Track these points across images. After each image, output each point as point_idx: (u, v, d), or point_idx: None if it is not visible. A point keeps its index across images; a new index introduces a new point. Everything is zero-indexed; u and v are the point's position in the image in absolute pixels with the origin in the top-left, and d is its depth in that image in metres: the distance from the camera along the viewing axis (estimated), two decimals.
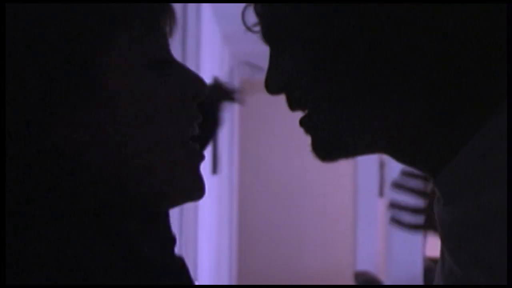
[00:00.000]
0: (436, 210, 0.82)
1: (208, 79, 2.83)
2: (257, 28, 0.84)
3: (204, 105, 0.86)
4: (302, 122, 0.83)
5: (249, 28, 0.84)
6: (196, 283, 3.16)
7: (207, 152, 3.84)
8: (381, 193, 7.10)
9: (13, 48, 0.75)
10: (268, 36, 0.81)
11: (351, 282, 7.58)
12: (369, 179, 7.40)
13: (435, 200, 0.82)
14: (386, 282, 5.59)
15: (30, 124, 0.76)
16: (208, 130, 2.73)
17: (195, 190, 0.83)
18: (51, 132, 0.76)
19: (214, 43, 5.31)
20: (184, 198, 0.83)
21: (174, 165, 0.80)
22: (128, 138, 0.78)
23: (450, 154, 0.77)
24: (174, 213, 3.15)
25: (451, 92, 0.76)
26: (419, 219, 1.36)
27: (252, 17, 0.87)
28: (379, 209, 7.12)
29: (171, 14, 0.85)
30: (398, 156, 0.81)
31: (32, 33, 0.76)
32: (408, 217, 1.46)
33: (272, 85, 0.82)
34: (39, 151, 0.76)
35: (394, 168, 5.42)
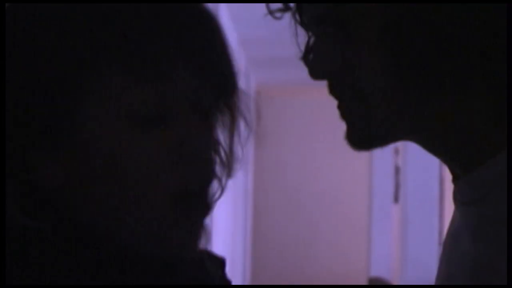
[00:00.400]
0: (457, 207, 0.82)
1: None
2: (279, 14, 0.83)
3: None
4: (345, 109, 0.82)
5: (270, 12, 0.82)
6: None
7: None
8: (396, 198, 7.08)
9: None
10: (331, 18, 0.79)
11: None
12: (384, 184, 7.39)
13: (453, 199, 0.83)
14: None
15: (12, 157, 0.75)
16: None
17: (181, 247, 0.77)
18: (30, 166, 0.76)
19: (231, 47, 5.31)
20: (171, 253, 0.78)
21: (156, 221, 0.75)
22: (100, 188, 0.76)
23: (487, 156, 0.77)
24: None
25: (507, 95, 0.76)
26: None
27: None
28: (394, 215, 7.10)
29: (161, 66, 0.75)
30: (433, 147, 0.81)
31: (14, 72, 0.75)
32: None
33: (320, 71, 0.81)
34: (19, 183, 0.76)
35: (409, 173, 5.41)
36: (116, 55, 0.74)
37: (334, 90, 0.82)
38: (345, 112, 0.81)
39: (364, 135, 0.80)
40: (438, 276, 0.87)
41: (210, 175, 0.78)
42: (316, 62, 0.82)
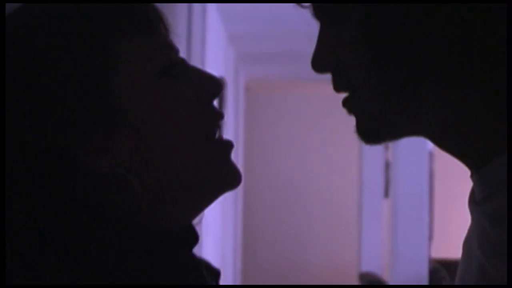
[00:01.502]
0: (470, 207, 0.81)
1: None
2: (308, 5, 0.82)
3: None
4: (346, 103, 0.81)
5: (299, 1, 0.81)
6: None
7: None
8: (386, 193, 7.09)
9: (22, 78, 0.77)
10: (323, 11, 0.79)
11: (356, 283, 7.58)
12: (374, 180, 7.40)
13: (468, 198, 0.82)
14: (391, 283, 5.58)
15: (50, 153, 0.77)
16: None
17: (231, 179, 0.85)
18: (72, 160, 0.78)
19: (219, 43, 5.30)
20: (221, 188, 0.86)
21: (204, 162, 0.82)
22: (153, 153, 0.80)
23: (499, 150, 0.76)
24: None
25: (507, 95, 0.75)
26: None
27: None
28: (384, 210, 7.11)
29: (159, 14, 0.85)
30: (444, 143, 0.80)
31: (40, 63, 0.77)
32: None
33: (319, 64, 0.81)
34: (62, 180, 0.77)
35: (400, 168, 5.41)
36: (141, 21, 0.81)
37: (334, 84, 0.82)
38: (346, 106, 0.81)
39: (367, 129, 0.80)
40: (455, 281, 0.86)
41: (222, 113, 0.85)
42: (315, 56, 0.81)
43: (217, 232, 5.12)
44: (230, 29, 5.69)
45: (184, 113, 0.82)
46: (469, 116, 0.77)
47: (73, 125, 0.77)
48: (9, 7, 0.81)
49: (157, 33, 0.83)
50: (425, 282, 5.32)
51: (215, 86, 0.85)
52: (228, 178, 0.86)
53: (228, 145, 0.86)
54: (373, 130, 0.80)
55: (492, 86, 0.76)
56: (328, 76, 0.81)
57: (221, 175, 0.85)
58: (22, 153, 0.77)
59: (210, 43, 4.22)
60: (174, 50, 0.85)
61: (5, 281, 0.74)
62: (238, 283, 7.95)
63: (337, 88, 0.81)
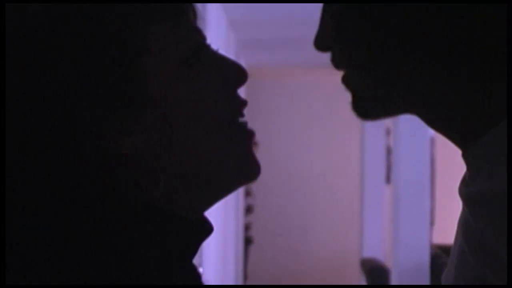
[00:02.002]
0: (462, 190, 0.82)
1: None
2: None
3: None
4: (344, 80, 0.83)
5: None
6: (201, 269, 3.16)
7: None
8: (388, 179, 7.09)
9: (53, 60, 0.77)
10: None
11: (357, 268, 7.59)
12: (376, 166, 7.40)
13: (461, 181, 0.83)
14: (393, 269, 5.59)
15: (74, 132, 0.77)
16: None
17: (251, 170, 0.85)
18: (96, 139, 0.78)
19: (220, 29, 5.29)
20: (241, 179, 0.86)
21: (227, 150, 0.83)
22: (176, 137, 0.81)
23: (486, 127, 0.78)
24: None
25: (493, 69, 0.78)
26: None
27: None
28: (386, 196, 7.12)
29: (192, 5, 0.87)
30: (433, 121, 0.82)
31: (72, 45, 0.78)
32: None
33: (320, 42, 0.83)
34: (92, 163, 0.78)
35: (401, 154, 5.42)
36: (171, 6, 0.83)
37: (333, 60, 0.85)
38: (344, 82, 0.83)
39: (360, 105, 0.83)
40: (446, 272, 0.87)
41: (246, 101, 0.86)
42: (317, 35, 0.84)
43: (218, 215, 5.13)
44: (230, 15, 5.68)
45: (210, 99, 0.82)
46: (455, 94, 0.79)
47: (100, 104, 0.78)
48: (9, 7, 0.81)
49: (185, 18, 0.84)
50: (427, 267, 5.33)
51: (241, 74, 0.86)
52: (249, 169, 0.86)
53: (251, 134, 0.86)
54: (365, 106, 0.83)
55: (480, 67, 0.78)
56: (329, 63, 0.83)
57: (242, 165, 0.85)
58: (45, 130, 0.77)
59: (210, 29, 4.21)
60: (201, 36, 0.86)
61: (5, 281, 0.74)
62: (240, 269, 7.97)
63: (336, 64, 0.82)
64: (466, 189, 0.79)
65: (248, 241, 8.59)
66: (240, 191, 7.57)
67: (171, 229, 0.80)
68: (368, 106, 0.83)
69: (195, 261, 0.88)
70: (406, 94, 0.80)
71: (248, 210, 8.43)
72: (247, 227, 8.48)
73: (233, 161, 0.84)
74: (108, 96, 0.78)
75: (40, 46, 0.78)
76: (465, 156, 0.80)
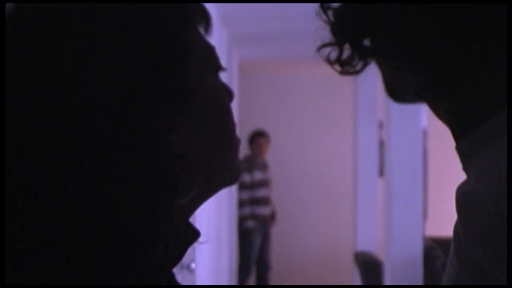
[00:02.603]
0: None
1: None
2: None
3: None
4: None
5: None
6: (193, 264, 3.15)
7: None
8: (381, 173, 7.11)
9: (110, 48, 0.79)
10: None
11: (351, 262, 7.61)
12: (369, 159, 7.41)
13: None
14: (386, 262, 5.60)
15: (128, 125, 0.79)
16: None
17: (234, 175, 0.92)
18: (156, 136, 0.80)
19: (212, 24, 5.28)
20: (224, 184, 0.91)
21: (231, 153, 0.90)
22: (204, 136, 0.86)
23: (477, 122, 0.80)
24: None
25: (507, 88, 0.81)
26: None
27: None
28: (379, 189, 7.13)
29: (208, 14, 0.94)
30: (437, 111, 0.87)
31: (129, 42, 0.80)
32: None
33: (344, 33, 0.87)
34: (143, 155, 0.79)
35: (394, 147, 5.43)
36: (206, 19, 0.92)
37: (357, 54, 0.89)
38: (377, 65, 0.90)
39: (388, 92, 0.91)
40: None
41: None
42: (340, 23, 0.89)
43: (211, 209, 5.13)
44: (222, 9, 5.67)
45: (224, 108, 0.89)
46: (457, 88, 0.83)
47: (154, 98, 0.80)
48: (9, 7, 0.81)
49: (209, 32, 0.91)
50: (420, 260, 5.34)
51: (231, 94, 0.93)
52: (232, 174, 0.91)
53: (238, 141, 0.93)
54: (391, 93, 0.90)
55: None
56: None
57: (229, 171, 0.90)
58: (106, 129, 0.78)
59: None
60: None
61: (5, 281, 0.75)
62: (233, 263, 7.98)
63: (360, 57, 0.89)
64: (457, 189, 0.81)
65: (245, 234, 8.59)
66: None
67: (157, 236, 0.80)
68: (392, 93, 0.89)
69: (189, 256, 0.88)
70: (416, 89, 0.85)
71: (241, 203, 8.43)
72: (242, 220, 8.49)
73: (222, 166, 0.89)
74: (160, 91, 0.80)
75: (100, 43, 0.79)
76: (456, 149, 0.82)
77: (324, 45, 0.88)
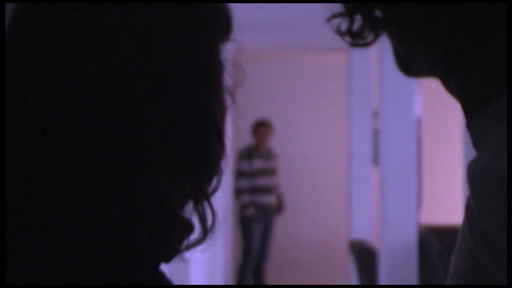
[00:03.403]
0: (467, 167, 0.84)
1: None
2: None
3: None
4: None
5: None
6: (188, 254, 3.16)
7: None
8: (375, 161, 7.12)
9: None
10: None
11: (346, 251, 7.62)
12: (363, 147, 7.42)
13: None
14: (381, 250, 5.62)
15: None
16: None
17: (219, 179, 0.92)
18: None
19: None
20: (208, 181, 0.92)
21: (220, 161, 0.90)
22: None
23: (489, 100, 0.80)
24: None
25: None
26: None
27: None
28: (373, 178, 7.14)
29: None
30: (448, 86, 0.87)
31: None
32: None
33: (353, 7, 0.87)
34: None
35: (388, 136, 5.43)
36: (230, 28, 0.96)
37: (370, 25, 0.89)
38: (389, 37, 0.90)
39: (399, 65, 0.90)
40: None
41: None
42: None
43: None
44: None
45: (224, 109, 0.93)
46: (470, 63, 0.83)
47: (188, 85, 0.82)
48: (9, 7, 0.81)
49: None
50: (415, 248, 5.35)
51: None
52: (217, 174, 0.91)
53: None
54: (403, 66, 0.90)
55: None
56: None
57: (217, 169, 0.90)
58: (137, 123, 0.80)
59: None
60: None
61: (5, 281, 0.75)
62: (229, 253, 7.98)
63: (373, 28, 0.87)
64: (468, 166, 0.80)
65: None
66: (229, 172, 7.58)
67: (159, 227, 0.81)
68: (399, 66, 0.89)
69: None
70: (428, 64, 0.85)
71: (241, 192, 8.44)
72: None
73: (213, 165, 0.89)
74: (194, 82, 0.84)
75: (135, 45, 0.80)
76: (467, 126, 0.82)
77: (335, 16, 0.86)
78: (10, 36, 0.82)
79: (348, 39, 0.86)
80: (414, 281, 5.31)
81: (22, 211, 0.77)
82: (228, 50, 0.99)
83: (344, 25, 0.86)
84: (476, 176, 0.77)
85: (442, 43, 0.82)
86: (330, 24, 0.87)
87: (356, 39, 0.86)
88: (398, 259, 5.35)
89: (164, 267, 0.84)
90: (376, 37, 0.85)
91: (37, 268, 0.76)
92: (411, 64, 0.87)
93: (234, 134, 8.23)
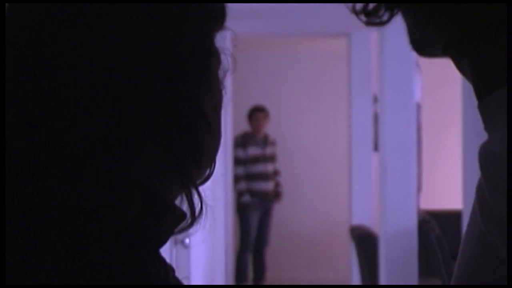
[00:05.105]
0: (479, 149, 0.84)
1: None
2: None
3: None
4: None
5: None
6: (187, 240, 3.15)
7: None
8: (375, 147, 7.12)
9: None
10: None
11: (347, 236, 7.63)
12: (364, 133, 7.42)
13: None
14: (381, 235, 5.63)
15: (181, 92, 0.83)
16: None
17: (211, 171, 0.94)
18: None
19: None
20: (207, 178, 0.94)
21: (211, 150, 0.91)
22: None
23: (505, 79, 0.80)
24: None
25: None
26: None
27: None
28: (374, 163, 7.14)
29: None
30: (461, 67, 0.87)
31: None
32: None
33: None
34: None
35: (388, 121, 5.43)
36: (223, 21, 0.95)
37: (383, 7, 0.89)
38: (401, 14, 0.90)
39: (413, 45, 0.90)
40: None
41: None
42: None
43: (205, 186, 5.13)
44: None
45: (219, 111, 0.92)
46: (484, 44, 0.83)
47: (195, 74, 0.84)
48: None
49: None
50: (415, 233, 5.36)
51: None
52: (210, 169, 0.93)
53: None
54: (417, 46, 0.89)
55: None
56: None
57: (211, 165, 0.92)
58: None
59: None
60: None
61: (5, 281, 0.75)
62: (229, 241, 8.00)
63: (387, 9, 0.87)
64: (480, 148, 0.80)
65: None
66: (229, 159, 7.59)
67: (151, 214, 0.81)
68: (414, 46, 0.89)
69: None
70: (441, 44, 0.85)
71: (237, 179, 8.44)
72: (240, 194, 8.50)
73: (209, 160, 0.91)
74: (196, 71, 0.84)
75: (127, 43, 0.80)
76: (479, 108, 0.82)
77: None
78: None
79: (363, 17, 0.86)
80: (414, 265, 5.32)
81: (13, 201, 0.77)
82: (225, 38, 0.99)
83: (359, 4, 0.85)
84: (488, 159, 0.77)
85: (457, 25, 0.82)
86: (347, 5, 0.87)
87: (371, 17, 0.85)
88: (398, 244, 5.36)
89: (164, 253, 0.84)
90: (392, 16, 0.84)
91: (29, 263, 0.76)
92: (425, 44, 0.87)
93: (234, 123, 8.23)
